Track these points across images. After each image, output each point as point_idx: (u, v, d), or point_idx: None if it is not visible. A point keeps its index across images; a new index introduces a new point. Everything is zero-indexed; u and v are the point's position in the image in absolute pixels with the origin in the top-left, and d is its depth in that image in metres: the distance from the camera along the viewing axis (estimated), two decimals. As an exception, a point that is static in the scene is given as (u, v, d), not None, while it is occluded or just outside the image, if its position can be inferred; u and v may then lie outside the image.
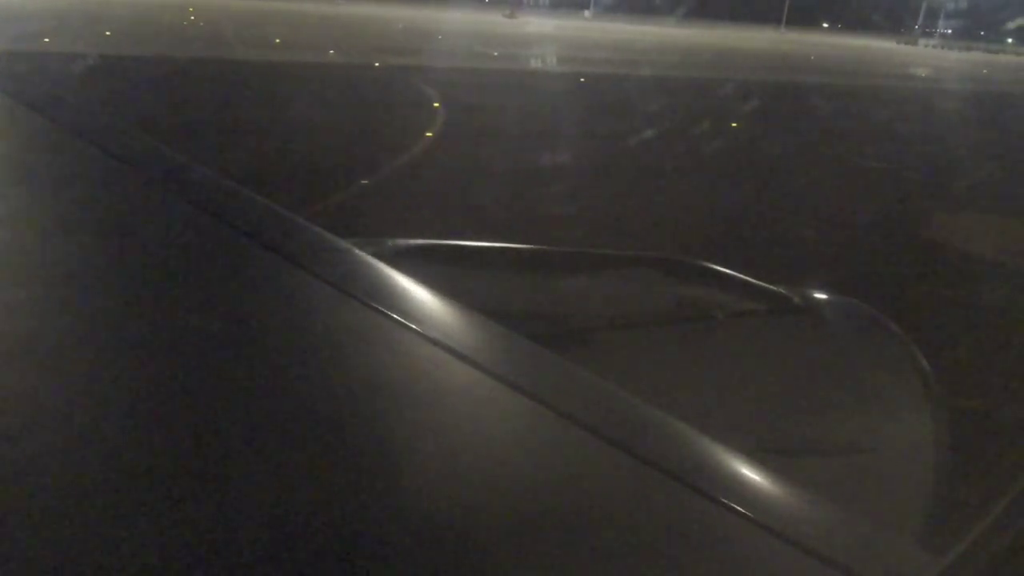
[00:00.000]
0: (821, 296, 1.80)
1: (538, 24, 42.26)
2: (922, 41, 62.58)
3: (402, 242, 1.69)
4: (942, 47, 57.65)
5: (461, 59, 19.90)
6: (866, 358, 1.64)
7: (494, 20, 42.08)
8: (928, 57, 44.54)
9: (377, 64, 17.20)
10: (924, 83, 26.45)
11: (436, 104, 12.18)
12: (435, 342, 0.96)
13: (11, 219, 1.29)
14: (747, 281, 1.72)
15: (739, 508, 0.73)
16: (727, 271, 1.75)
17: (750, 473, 0.87)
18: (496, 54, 22.32)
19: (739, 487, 0.83)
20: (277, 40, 20.59)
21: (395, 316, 1.01)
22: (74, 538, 0.59)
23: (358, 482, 0.69)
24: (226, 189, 1.52)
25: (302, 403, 0.81)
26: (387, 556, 0.61)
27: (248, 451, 0.72)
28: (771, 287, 1.73)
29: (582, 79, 17.45)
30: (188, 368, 0.86)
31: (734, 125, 12.62)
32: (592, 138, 10.64)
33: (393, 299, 1.14)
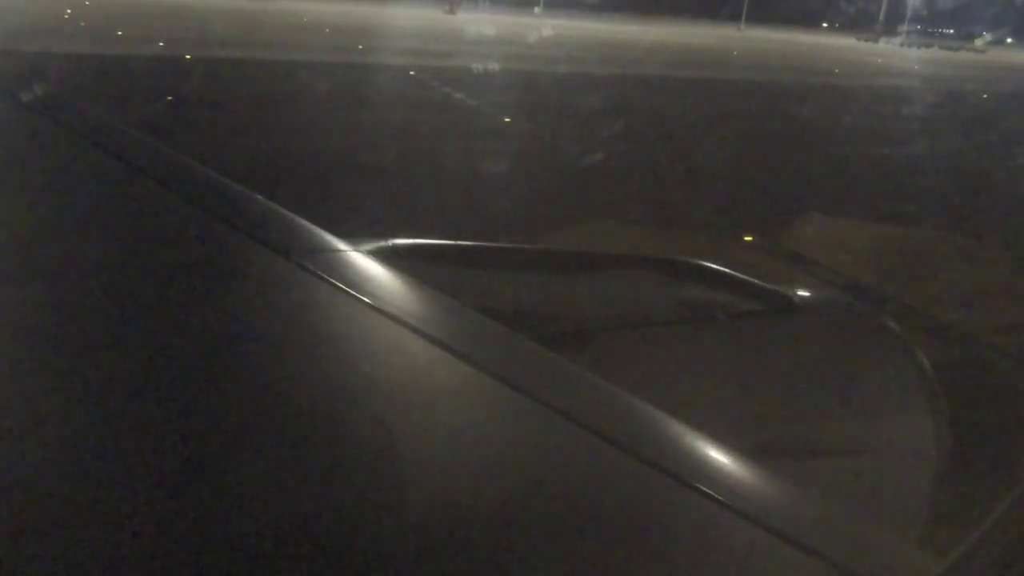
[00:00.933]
0: (821, 296, 1.80)
1: (475, 20, 38.51)
2: (884, 39, 62.26)
3: (402, 242, 1.68)
4: (902, 45, 57.34)
5: (303, 52, 18.11)
6: (866, 358, 1.64)
7: (431, 16, 38.61)
8: (871, 53, 42.85)
9: (188, 57, 15.36)
10: (824, 77, 25.16)
11: (169, 98, 10.73)
12: (435, 342, 0.96)
13: None
14: (747, 281, 1.72)
15: (739, 508, 0.73)
16: (727, 271, 1.74)
17: (750, 473, 0.87)
18: (360, 47, 20.74)
19: (739, 487, 0.83)
20: (119, 33, 18.57)
21: (395, 316, 1.01)
22: (71, 538, 0.59)
23: (357, 481, 0.69)
24: (225, 189, 1.51)
25: (301, 402, 0.81)
26: (386, 555, 0.61)
27: (247, 450, 0.72)
28: (771, 287, 1.72)
29: (412, 71, 15.99)
30: (187, 367, 0.86)
31: (507, 120, 11.51)
32: (281, 130, 9.16)
33: (393, 299, 1.14)
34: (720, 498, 0.74)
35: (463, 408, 0.87)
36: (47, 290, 1.02)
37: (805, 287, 1.81)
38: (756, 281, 1.73)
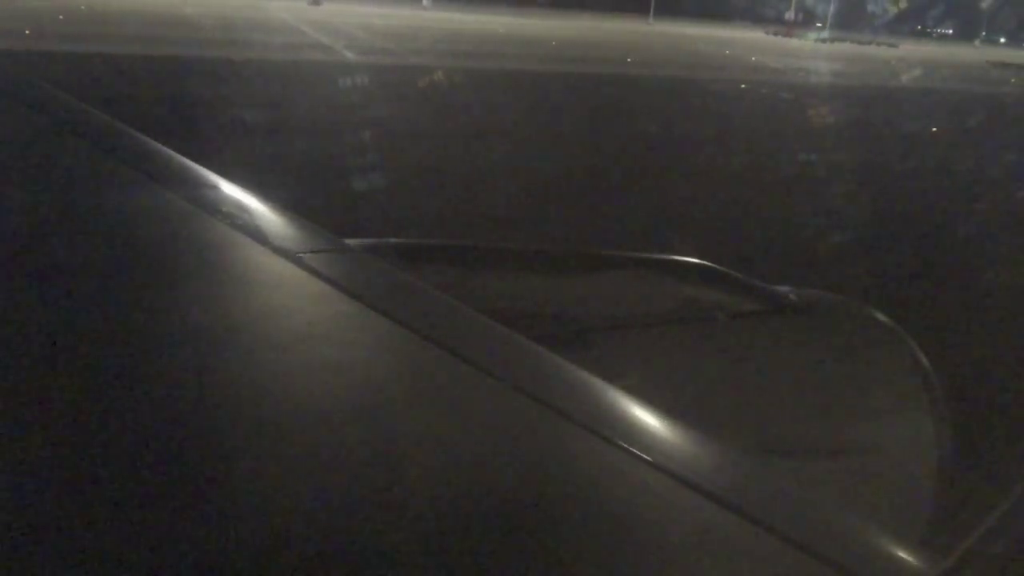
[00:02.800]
0: (821, 296, 1.80)
1: (338, 12, 34.70)
2: (799, 33, 63.09)
3: (402, 242, 1.69)
4: (816, 40, 57.81)
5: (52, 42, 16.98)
6: (866, 358, 1.64)
7: (289, 7, 35.11)
8: (748, 47, 41.02)
9: None
10: (601, 67, 24.17)
11: None
12: (435, 342, 0.96)
13: None
14: (747, 281, 1.72)
15: (739, 508, 0.73)
16: (727, 271, 1.75)
17: (750, 473, 0.87)
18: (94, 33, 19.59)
19: (739, 487, 0.82)
20: None
21: (395, 316, 1.01)
22: (65, 538, 0.59)
23: (357, 482, 0.69)
24: (222, 186, 1.51)
25: (301, 403, 0.81)
26: (385, 558, 0.61)
27: (246, 451, 0.72)
28: (771, 287, 1.73)
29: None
30: (184, 367, 0.86)
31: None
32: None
33: (393, 299, 1.13)
34: (720, 498, 0.74)
35: (462, 408, 0.87)
36: (43, 289, 1.02)
37: (805, 287, 1.82)
38: (756, 281, 1.73)
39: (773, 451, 1.38)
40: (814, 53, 42.34)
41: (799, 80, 26.27)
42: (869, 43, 56.60)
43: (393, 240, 1.67)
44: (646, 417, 0.91)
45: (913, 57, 45.41)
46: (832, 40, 58.19)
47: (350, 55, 21.03)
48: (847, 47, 51.80)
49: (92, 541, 0.59)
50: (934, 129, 17.14)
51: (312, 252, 1.22)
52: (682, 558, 0.69)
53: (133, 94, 11.94)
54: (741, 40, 48.55)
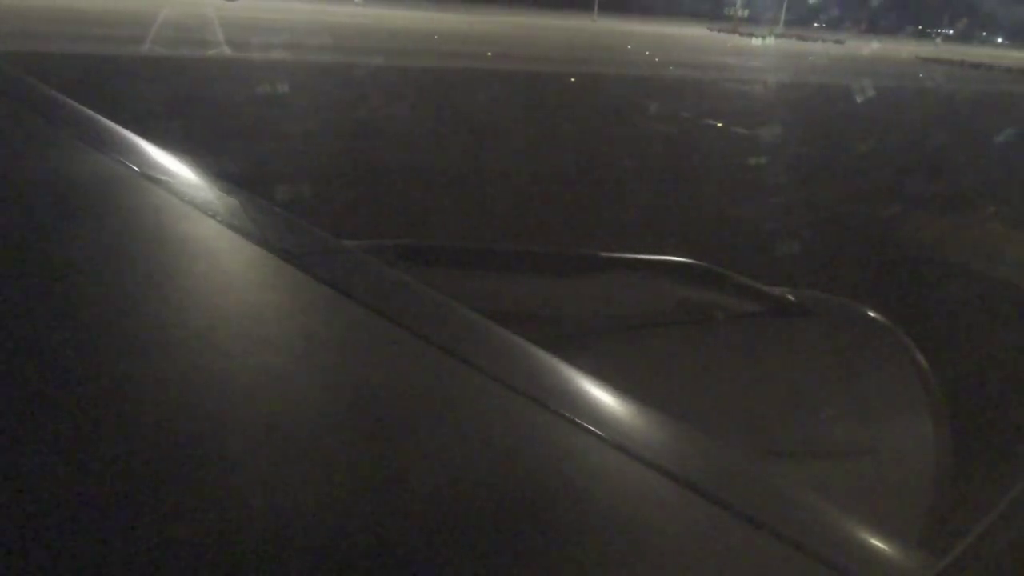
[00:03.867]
0: (822, 298, 1.80)
1: (256, 8, 32.86)
2: (745, 29, 63.52)
3: (402, 242, 1.69)
4: (758, 37, 57.26)
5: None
6: (866, 359, 1.64)
7: (210, 3, 32.22)
8: (670, 43, 39.45)
9: None
10: (474, 62, 22.93)
11: None
12: (435, 343, 0.96)
13: None
14: (748, 283, 1.72)
15: (739, 508, 0.73)
16: (728, 272, 1.75)
17: (750, 473, 0.87)
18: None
19: (739, 487, 0.83)
20: None
21: (395, 317, 1.01)
22: (55, 540, 0.59)
23: (356, 484, 0.69)
24: (220, 187, 1.51)
25: (300, 404, 0.81)
26: (385, 559, 0.61)
27: (243, 453, 0.72)
28: (772, 289, 1.73)
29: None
30: (184, 368, 0.86)
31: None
32: None
33: (393, 299, 1.14)
34: (718, 499, 0.74)
35: (463, 409, 0.87)
36: (43, 288, 1.02)
37: (804, 289, 1.82)
38: (755, 283, 1.73)
39: (771, 452, 1.39)
40: (733, 49, 40.99)
41: (662, 73, 24.58)
42: (815, 40, 57.53)
43: (393, 241, 1.67)
44: (644, 418, 0.92)
45: (844, 53, 44.74)
46: (777, 37, 58.74)
47: (159, 48, 19.67)
48: (787, 43, 51.95)
49: (89, 542, 0.59)
50: (742, 131, 14.33)
51: (311, 253, 1.22)
52: (681, 559, 0.69)
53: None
54: (670, 36, 46.73)
